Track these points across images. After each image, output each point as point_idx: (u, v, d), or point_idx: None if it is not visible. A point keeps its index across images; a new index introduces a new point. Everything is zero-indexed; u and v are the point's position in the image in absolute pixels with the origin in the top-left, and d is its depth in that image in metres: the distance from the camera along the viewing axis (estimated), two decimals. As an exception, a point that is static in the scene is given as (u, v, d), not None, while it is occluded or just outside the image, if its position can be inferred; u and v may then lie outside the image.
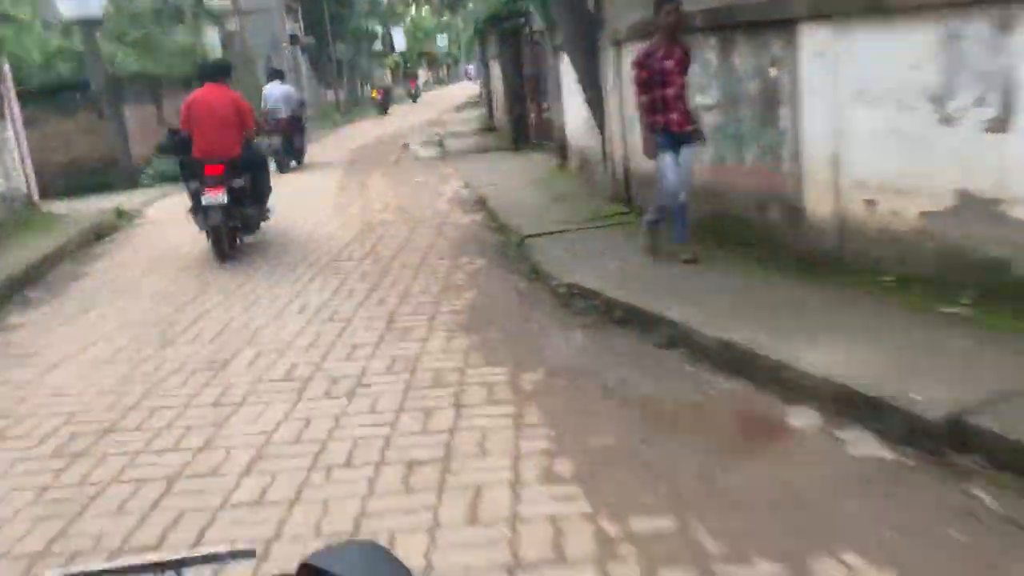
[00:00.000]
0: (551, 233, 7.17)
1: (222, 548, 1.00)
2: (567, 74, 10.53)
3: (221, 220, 7.65)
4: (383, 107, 32.63)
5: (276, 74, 16.17)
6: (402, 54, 52.01)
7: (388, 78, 39.40)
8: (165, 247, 9.06)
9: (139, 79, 15.88)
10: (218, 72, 8.35)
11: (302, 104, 16.11)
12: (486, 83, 19.29)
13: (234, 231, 8.03)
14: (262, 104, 14.54)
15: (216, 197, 7.51)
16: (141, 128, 15.65)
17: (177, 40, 20.68)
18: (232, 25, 27.05)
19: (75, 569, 0.96)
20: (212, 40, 24.69)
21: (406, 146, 18.11)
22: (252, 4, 27.90)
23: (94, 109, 14.71)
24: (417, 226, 8.89)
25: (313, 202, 11.14)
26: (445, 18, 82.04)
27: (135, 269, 8.14)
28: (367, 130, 25.21)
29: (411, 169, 14.40)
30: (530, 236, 7.15)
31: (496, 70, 17.06)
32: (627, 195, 7.86)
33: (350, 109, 36.38)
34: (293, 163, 15.23)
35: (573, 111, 10.38)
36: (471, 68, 66.09)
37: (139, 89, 15.77)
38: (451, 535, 2.94)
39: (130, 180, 14.71)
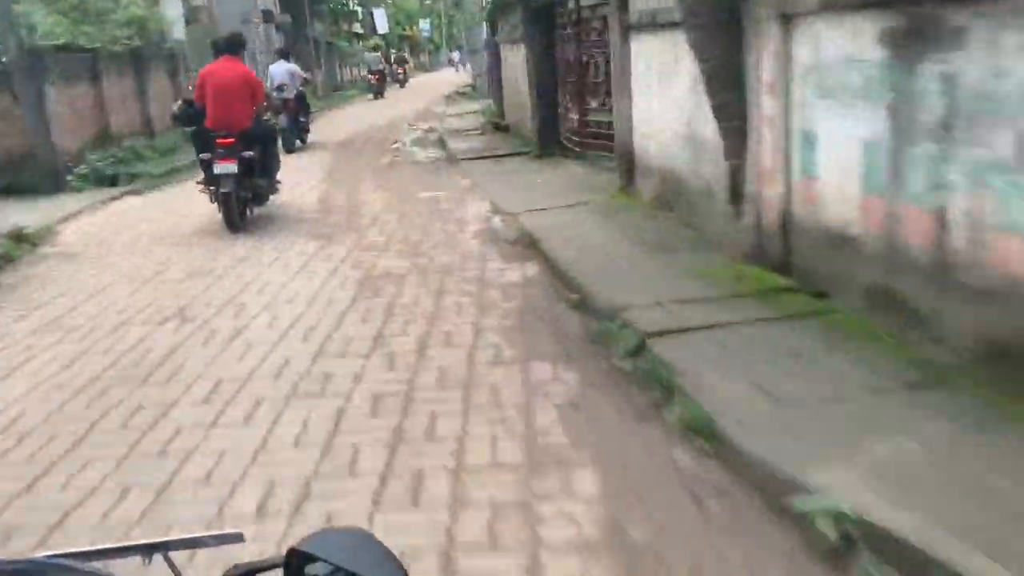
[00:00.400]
0: (690, 330, 4.26)
1: (209, 533, 1.04)
2: (643, 64, 7.62)
3: (232, 189, 7.94)
4: (378, 91, 31.43)
5: (281, 53, 16.31)
6: (384, 37, 48.69)
7: (382, 62, 36.30)
8: (74, 319, 5.85)
9: (69, 53, 12.69)
10: (232, 47, 8.75)
11: (306, 82, 16.11)
12: (494, 72, 16.23)
13: (245, 202, 8.31)
14: (268, 83, 13.86)
15: (228, 167, 7.83)
16: (72, 115, 12.49)
17: (128, 10, 17.41)
18: (198, -2, 23.78)
19: (63, 551, 0.95)
20: (173, 13, 21.42)
21: (399, 146, 15.13)
22: (221, -26, 24.65)
23: (5, 89, 11.55)
24: (442, 288, 5.92)
25: (283, 242, 7.91)
26: (429, 1, 78.88)
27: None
28: (349, 119, 22.12)
29: (412, 177, 11.42)
30: (654, 334, 4.24)
31: (513, 56, 14.09)
32: (785, 259, 4.98)
33: (329, 94, 33.11)
34: (298, 142, 15.18)
35: (652, 115, 7.49)
36: (456, 55, 62.78)
37: (69, 66, 12.59)
38: None
39: (53, 181, 11.58)
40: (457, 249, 7.06)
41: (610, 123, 9.64)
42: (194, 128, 8.48)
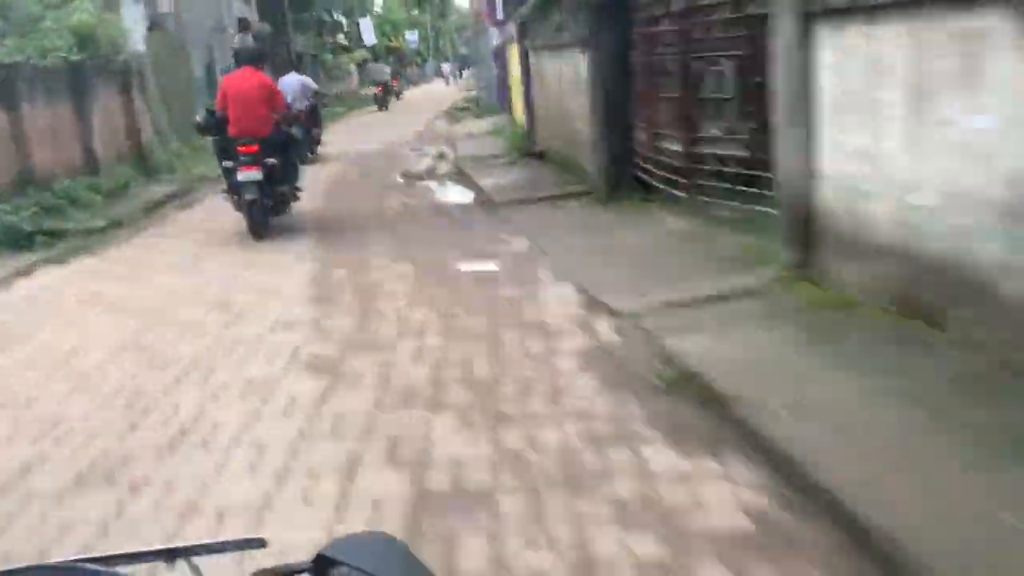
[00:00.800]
0: None
1: (232, 537, 1.04)
2: (853, 71, 4.59)
3: (256, 196, 8.13)
4: (382, 102, 30.76)
5: (292, 65, 17.19)
6: (372, 49, 45.64)
7: (386, 72, 35.72)
8: None
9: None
10: (253, 57, 9.00)
11: (317, 93, 15.85)
12: (526, 85, 13.10)
13: (267, 208, 8.42)
14: None
15: (251, 174, 8.05)
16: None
17: (72, 17, 14.31)
18: (165, 5, 20.63)
19: (86, 555, 0.97)
20: (131, 20, 18.27)
21: (410, 181, 12.06)
22: (190, -22, 21.55)
23: None
24: (585, 549, 2.82)
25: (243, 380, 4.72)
26: (416, 12, 75.94)
27: None
28: (340, 140, 19.03)
29: (439, 232, 8.34)
30: None
31: (552, 64, 11.03)
32: None
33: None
34: (308, 154, 14.46)
35: (875, 158, 4.44)
36: (446, 67, 59.91)
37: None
38: None
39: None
40: (563, 405, 3.95)
41: (736, 158, 6.61)
42: (216, 137, 8.64)
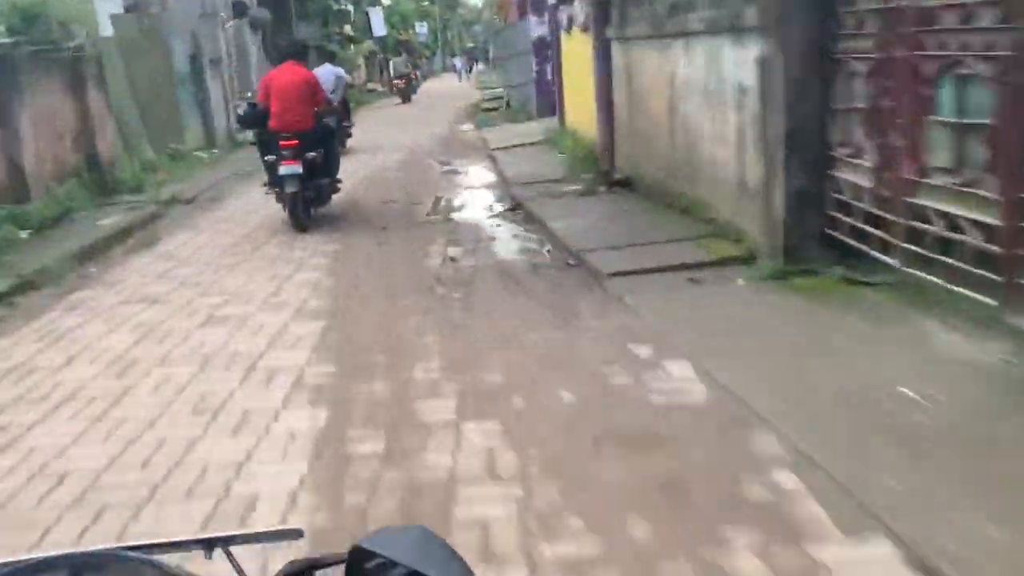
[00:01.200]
0: None
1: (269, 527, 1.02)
2: None
3: (298, 188, 8.21)
4: (406, 95, 30.70)
5: (327, 56, 16.28)
6: (382, 40, 42.40)
7: (408, 65, 34.80)
8: None
9: None
10: (295, 52, 9.45)
11: (347, 85, 15.74)
12: (604, 86, 9.71)
13: (308, 201, 8.48)
14: None
15: (293, 168, 8.11)
16: None
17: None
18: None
19: (126, 543, 0.98)
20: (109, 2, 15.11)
21: (446, 219, 8.88)
22: (176, -47, 18.35)
23: None
24: None
25: None
26: (426, 2, 72.64)
27: None
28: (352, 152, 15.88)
29: (514, 328, 5.09)
30: None
31: (650, 61, 7.81)
32: None
33: None
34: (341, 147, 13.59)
35: None
36: (457, 61, 56.68)
37: None
38: None
39: None
40: None
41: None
42: (258, 130, 8.77)
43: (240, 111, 9.25)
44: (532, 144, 13.63)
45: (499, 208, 9.10)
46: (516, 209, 8.81)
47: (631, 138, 8.90)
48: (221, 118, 17.25)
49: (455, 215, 8.98)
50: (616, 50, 9.13)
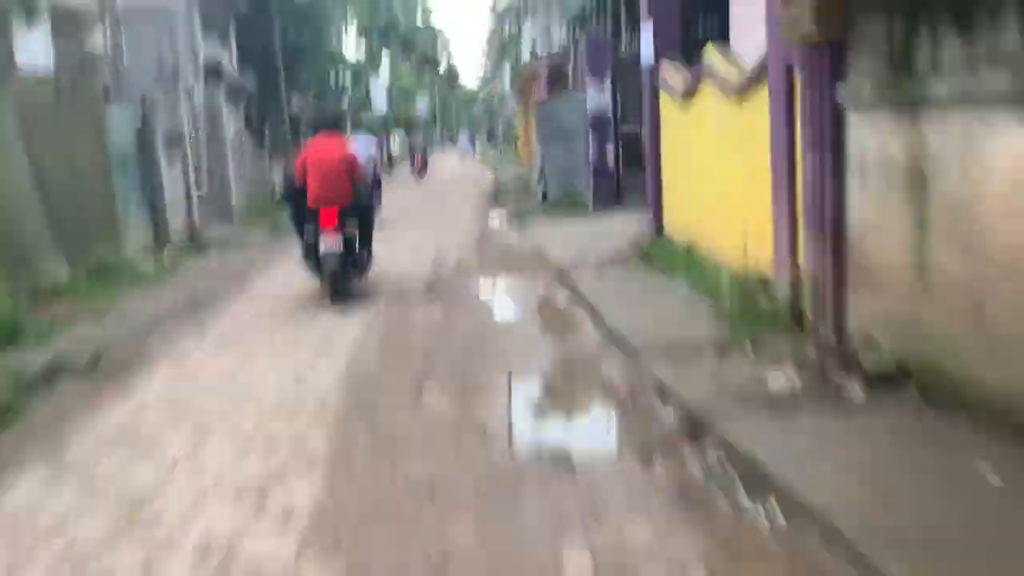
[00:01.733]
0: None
1: None
2: None
3: (338, 266, 8.17)
4: (421, 171, 29.63)
5: (361, 126, 17.95)
6: (384, 115, 38.77)
7: (421, 138, 35.99)
8: None
9: None
10: (332, 123, 9.43)
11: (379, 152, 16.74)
12: (822, 186, 5.35)
13: (347, 275, 8.38)
14: None
15: (333, 244, 8.13)
16: None
17: None
18: (98, 39, 13.53)
19: None
20: (32, 50, 11.02)
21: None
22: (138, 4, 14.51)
23: None
24: None
25: None
26: (427, 78, 69.94)
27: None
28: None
29: None
30: None
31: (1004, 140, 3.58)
32: None
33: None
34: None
35: None
36: (463, 138, 53.38)
37: None
38: None
39: None
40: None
41: None
42: (295, 207, 8.73)
43: (278, 188, 9.08)
44: (617, 261, 9.36)
45: (660, 437, 4.64)
46: (699, 441, 4.39)
47: (909, 290, 4.57)
48: (178, 211, 13.04)
49: (564, 457, 4.51)
50: (865, 125, 4.88)
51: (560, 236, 11.80)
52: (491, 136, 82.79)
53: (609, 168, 13.58)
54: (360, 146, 13.92)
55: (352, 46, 48.95)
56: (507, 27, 51.57)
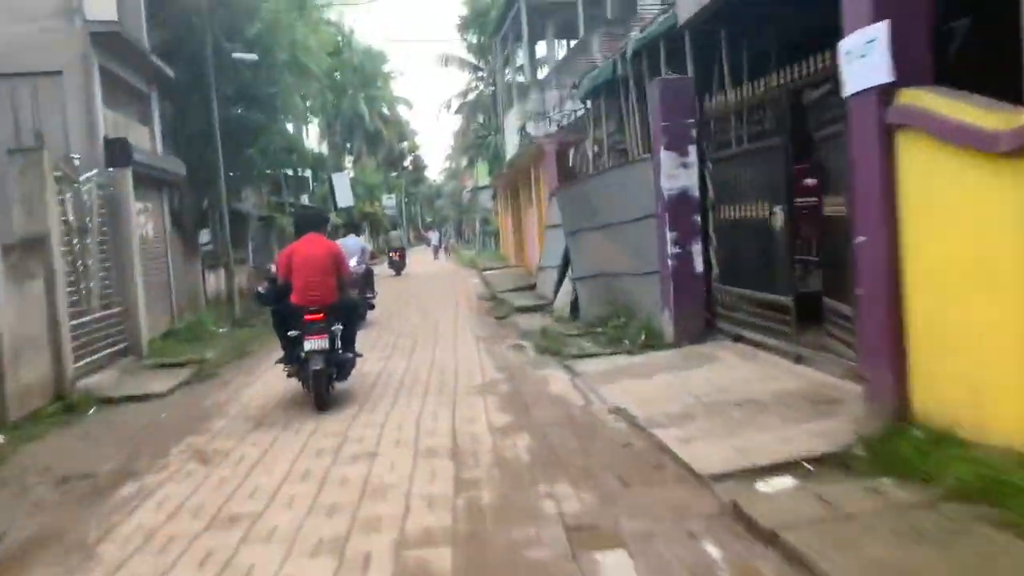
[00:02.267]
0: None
1: None
2: None
3: (323, 366, 7.80)
4: (399, 268, 30.13)
5: (350, 228, 16.99)
6: (347, 212, 34.33)
7: (402, 240, 33.88)
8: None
9: None
10: (316, 223, 8.87)
11: (373, 256, 17.29)
12: None
13: (330, 377, 8.03)
14: None
15: (319, 343, 7.77)
16: None
17: None
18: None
19: None
20: None
21: None
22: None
23: None
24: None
25: None
26: (394, 174, 66.22)
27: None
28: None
29: None
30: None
31: None
32: None
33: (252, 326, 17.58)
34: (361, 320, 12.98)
35: None
36: (433, 235, 49.19)
37: None
38: None
39: None
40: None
41: None
42: (274, 308, 8.44)
43: (261, 289, 8.97)
44: (813, 463, 4.70)
45: None
46: None
47: None
48: (35, 354, 8.16)
49: None
50: None
51: (653, 393, 7.11)
52: (459, 233, 78.91)
53: (696, 276, 9.06)
54: (351, 247, 13.86)
55: (315, 137, 45.07)
56: (479, 119, 48.27)
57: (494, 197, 48.52)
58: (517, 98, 28.01)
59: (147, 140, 14.75)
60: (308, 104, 30.16)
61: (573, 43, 25.22)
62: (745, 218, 8.30)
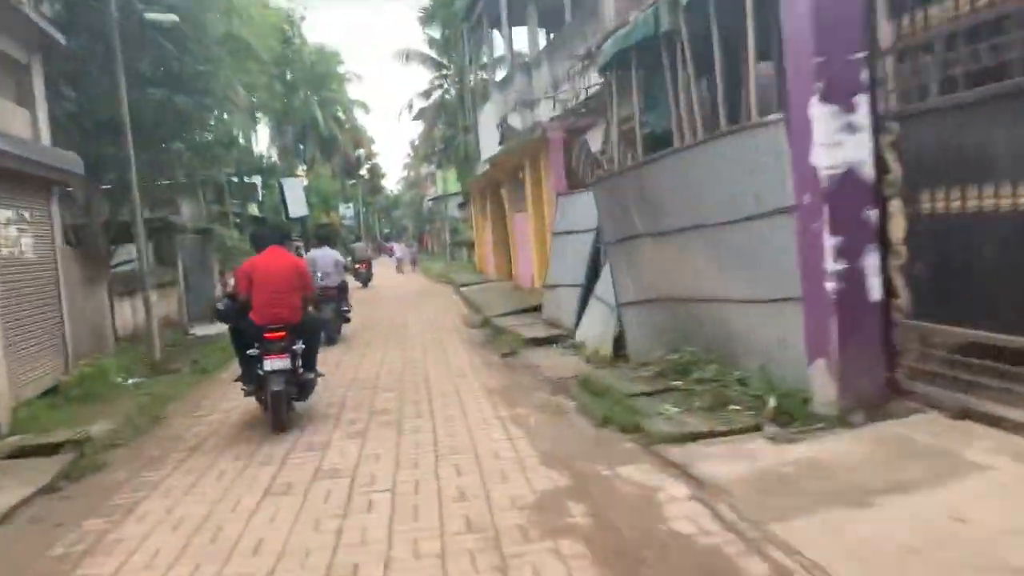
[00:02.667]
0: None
1: None
2: None
3: (283, 387, 7.48)
4: (366, 279, 29.18)
5: (325, 240, 15.56)
6: (301, 222, 30.33)
7: (369, 251, 32.54)
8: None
9: None
10: (279, 237, 8.59)
11: (346, 269, 15.61)
12: None
13: (289, 398, 7.70)
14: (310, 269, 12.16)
15: (279, 362, 7.48)
16: None
17: None
18: None
19: None
20: None
21: None
22: None
23: None
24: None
25: None
26: (352, 182, 62.11)
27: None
28: None
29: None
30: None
31: None
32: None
33: (176, 371, 13.62)
34: (336, 335, 13.80)
35: None
36: (398, 248, 45.20)
37: None
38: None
39: None
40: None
41: None
42: (234, 325, 8.05)
43: (220, 305, 8.44)
44: None
45: None
46: None
47: None
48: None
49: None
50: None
51: (907, 559, 3.56)
52: (420, 244, 75.03)
53: (871, 306, 5.56)
54: (325, 261, 13.86)
55: (265, 142, 41.04)
56: (442, 120, 44.60)
57: (463, 205, 44.92)
58: (496, 89, 24.42)
59: (24, 125, 10.88)
60: (254, 100, 26.34)
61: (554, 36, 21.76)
62: (975, 211, 4.83)
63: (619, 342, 9.38)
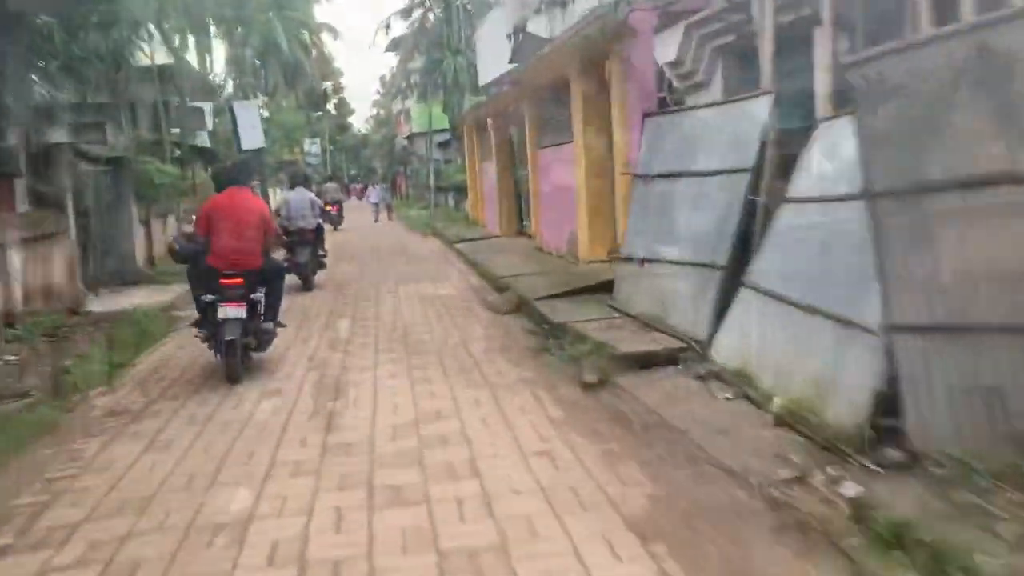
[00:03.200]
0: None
1: None
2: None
3: (238, 336, 6.99)
4: (337, 222, 27.45)
5: (300, 179, 13.90)
6: (256, 155, 24.82)
7: (340, 192, 30.37)
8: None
9: None
10: (242, 175, 7.75)
11: (323, 211, 14.00)
12: None
13: (246, 348, 7.28)
14: (282, 212, 12.89)
15: (235, 311, 7.01)
16: None
17: None
18: None
19: None
20: None
21: None
22: None
23: None
24: None
25: None
26: (319, 114, 56.07)
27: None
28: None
29: None
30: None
31: None
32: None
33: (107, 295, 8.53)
34: (313, 276, 13.20)
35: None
36: (374, 192, 39.72)
37: None
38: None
39: None
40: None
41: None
42: (192, 266, 7.57)
43: (175, 244, 8.11)
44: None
45: None
46: None
47: None
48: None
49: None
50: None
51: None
52: (393, 188, 69.36)
53: None
54: (300, 203, 13.04)
55: (219, 64, 35.18)
56: (424, 46, 38.94)
57: (449, 143, 39.53)
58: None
59: None
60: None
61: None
62: None
63: (887, 400, 4.56)
